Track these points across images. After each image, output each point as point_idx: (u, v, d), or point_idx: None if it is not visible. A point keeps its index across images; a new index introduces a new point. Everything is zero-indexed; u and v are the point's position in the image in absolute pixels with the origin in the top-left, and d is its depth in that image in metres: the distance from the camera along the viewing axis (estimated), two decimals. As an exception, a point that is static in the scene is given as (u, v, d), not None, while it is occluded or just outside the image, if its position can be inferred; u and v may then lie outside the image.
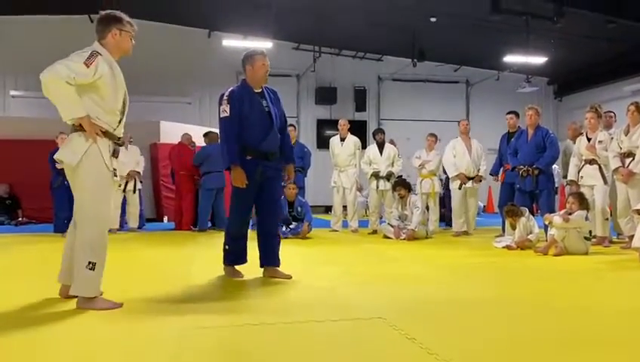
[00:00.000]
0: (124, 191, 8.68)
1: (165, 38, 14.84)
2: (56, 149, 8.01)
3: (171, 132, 10.93)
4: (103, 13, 3.26)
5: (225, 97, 3.98)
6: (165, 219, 10.91)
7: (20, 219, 10.41)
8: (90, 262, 3.00)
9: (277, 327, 2.69)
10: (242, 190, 3.91)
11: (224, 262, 4.16)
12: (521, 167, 6.65)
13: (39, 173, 8.53)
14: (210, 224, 8.92)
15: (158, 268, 4.94)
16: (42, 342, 2.48)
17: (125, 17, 3.26)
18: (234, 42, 13.80)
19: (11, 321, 2.80)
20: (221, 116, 3.97)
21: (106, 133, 3.11)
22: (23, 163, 9.97)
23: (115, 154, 3.18)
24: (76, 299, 3.06)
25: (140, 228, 8.99)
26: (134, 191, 8.80)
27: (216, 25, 14.57)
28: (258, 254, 4.17)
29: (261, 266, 4.17)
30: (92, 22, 14.31)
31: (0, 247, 6.69)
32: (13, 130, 10.69)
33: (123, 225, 8.85)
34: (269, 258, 4.14)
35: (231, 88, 4.07)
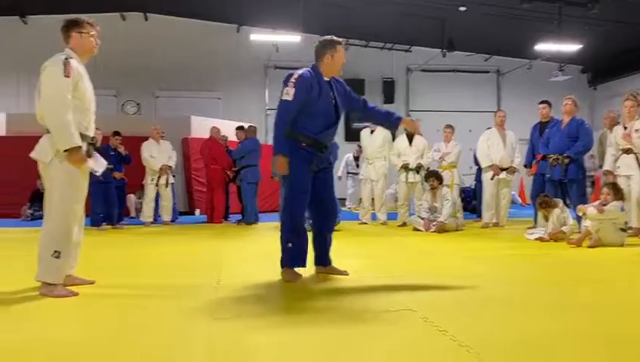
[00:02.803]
0: (156, 185, 8.86)
1: (195, 34, 15.03)
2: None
3: (202, 126, 11.07)
4: (65, 20, 3.46)
5: (292, 79, 3.67)
6: (197, 211, 11.09)
7: (58, 213, 10.69)
8: (55, 251, 3.20)
9: (303, 317, 2.73)
10: (299, 179, 3.70)
11: (284, 264, 3.77)
12: (552, 155, 6.53)
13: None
14: (241, 217, 9.02)
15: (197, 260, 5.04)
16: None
17: (85, 19, 3.45)
18: (262, 36, 13.89)
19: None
20: (282, 98, 3.68)
21: (81, 135, 3.29)
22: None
23: (88, 153, 3.38)
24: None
25: (173, 221, 9.17)
26: (167, 185, 8.96)
27: (244, 19, 14.65)
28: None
29: (316, 265, 3.93)
30: (124, 19, 14.64)
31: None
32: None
33: (156, 218, 9.03)
34: (322, 257, 3.93)
35: (301, 71, 3.73)
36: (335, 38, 3.86)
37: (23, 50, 13.99)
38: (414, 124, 4.35)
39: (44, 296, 3.18)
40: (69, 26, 3.41)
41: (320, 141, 3.76)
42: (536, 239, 6.07)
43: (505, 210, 8.09)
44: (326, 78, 3.82)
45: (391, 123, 4.21)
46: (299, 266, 3.76)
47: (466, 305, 3.05)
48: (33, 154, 3.31)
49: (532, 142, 7.66)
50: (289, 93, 3.64)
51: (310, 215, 3.94)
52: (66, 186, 3.26)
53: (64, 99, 3.19)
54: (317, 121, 3.73)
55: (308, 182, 3.74)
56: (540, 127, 7.45)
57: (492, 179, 7.86)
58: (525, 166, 7.90)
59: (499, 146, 7.88)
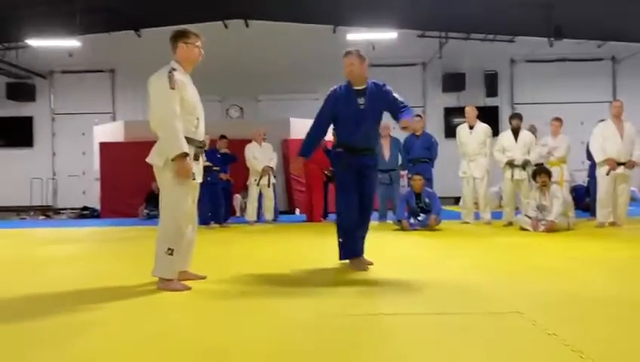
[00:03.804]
0: (258, 185, 9.19)
1: (293, 38, 15.40)
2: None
3: (301, 128, 11.30)
4: (172, 30, 3.66)
5: (326, 95, 4.29)
6: (297, 211, 11.36)
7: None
8: (169, 248, 3.42)
9: (410, 318, 2.70)
10: (342, 181, 4.20)
11: (340, 257, 4.22)
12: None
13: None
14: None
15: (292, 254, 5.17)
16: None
17: (190, 30, 3.65)
18: (358, 35, 13.92)
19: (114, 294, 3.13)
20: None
21: (189, 139, 3.48)
22: (171, 161, 10.91)
23: (196, 157, 3.58)
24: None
25: (274, 220, 9.47)
26: (268, 186, 9.27)
27: (340, 20, 14.77)
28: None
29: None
30: (226, 27, 15.34)
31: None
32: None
33: (259, 217, 9.38)
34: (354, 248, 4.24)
35: (335, 87, 4.31)
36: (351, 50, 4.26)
37: (137, 62, 15.15)
38: (411, 125, 4.32)
39: (162, 289, 3.42)
40: (177, 37, 3.62)
41: (351, 145, 4.18)
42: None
43: (623, 207, 7.47)
44: (359, 87, 4.20)
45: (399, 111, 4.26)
46: (352, 258, 4.16)
47: (577, 308, 2.86)
48: (148, 159, 3.56)
49: (654, 134, 7.02)
50: (321, 108, 4.33)
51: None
52: (176, 188, 3.48)
53: (172, 110, 3.41)
54: (345, 127, 4.22)
55: (349, 185, 4.16)
56: (663, 117, 6.81)
57: (607, 174, 7.29)
58: (646, 160, 7.26)
59: (615, 139, 7.30)
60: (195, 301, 3.22)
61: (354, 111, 4.18)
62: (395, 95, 4.25)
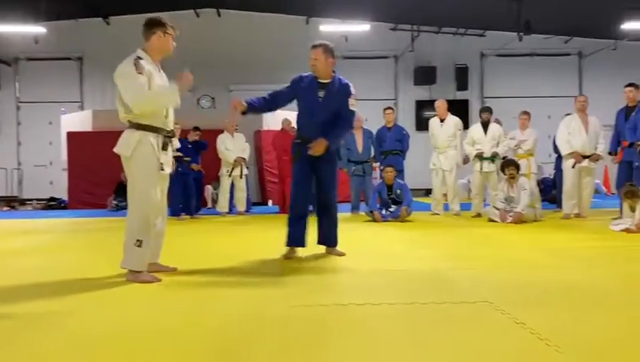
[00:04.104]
0: (230, 176, 9.13)
1: (265, 28, 15.29)
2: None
3: (273, 119, 11.25)
4: (147, 18, 3.56)
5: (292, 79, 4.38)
6: (270, 202, 11.33)
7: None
8: (137, 240, 3.38)
9: (381, 308, 2.73)
10: (295, 171, 4.31)
11: (286, 244, 4.30)
12: (640, 142, 6.13)
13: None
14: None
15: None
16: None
17: (167, 21, 3.56)
18: (331, 27, 13.89)
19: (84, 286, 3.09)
20: None
21: (157, 129, 3.45)
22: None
23: (164, 147, 3.52)
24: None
25: (247, 211, 9.43)
26: (241, 177, 9.21)
27: (313, 11, 14.71)
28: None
29: (318, 243, 4.41)
30: (198, 16, 15.12)
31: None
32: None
33: (231, 208, 9.32)
34: (325, 237, 4.41)
35: (302, 74, 4.36)
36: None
37: (106, 50, 14.82)
38: (314, 148, 4.22)
39: (131, 281, 3.37)
40: (153, 25, 3.52)
41: (304, 135, 4.27)
42: (622, 231, 5.73)
43: (587, 200, 7.68)
44: (325, 80, 4.23)
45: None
46: (297, 246, 4.29)
47: (544, 297, 2.94)
48: (116, 149, 3.49)
49: (617, 128, 7.21)
50: None
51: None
52: (144, 180, 3.43)
53: (143, 87, 3.36)
54: (301, 116, 4.35)
55: (300, 173, 4.27)
56: (626, 112, 7.01)
57: (573, 167, 7.48)
58: (610, 153, 7.46)
59: (580, 132, 7.48)
60: (164, 292, 3.19)
61: (312, 102, 4.24)
62: (350, 104, 4.23)
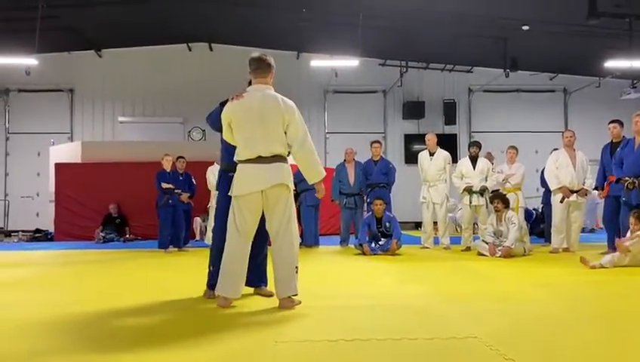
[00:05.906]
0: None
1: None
2: (162, 171, 8.56)
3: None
4: (265, 57, 3.78)
5: None
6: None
7: (128, 236, 11.17)
8: (296, 267, 3.68)
9: (371, 344, 2.70)
10: (223, 207, 3.95)
11: (207, 285, 4.01)
12: (627, 178, 6.23)
13: (145, 192, 9.17)
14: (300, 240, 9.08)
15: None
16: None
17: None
18: (321, 62, 14.10)
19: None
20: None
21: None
22: (130, 183, 10.68)
23: None
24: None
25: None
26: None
27: (304, 46, 14.95)
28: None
29: (250, 285, 4.04)
30: (190, 50, 15.30)
31: (113, 262, 7.23)
32: (122, 153, 11.51)
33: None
34: (256, 277, 4.11)
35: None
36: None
37: (97, 82, 14.95)
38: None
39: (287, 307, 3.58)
40: (272, 66, 3.82)
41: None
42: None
43: (576, 234, 7.73)
44: None
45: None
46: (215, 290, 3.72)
47: (533, 332, 2.92)
48: (278, 180, 3.58)
49: (603, 164, 7.31)
50: None
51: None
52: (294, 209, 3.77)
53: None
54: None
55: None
56: (611, 148, 7.12)
57: (561, 201, 7.55)
58: (596, 188, 7.56)
59: (568, 167, 7.58)
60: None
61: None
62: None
